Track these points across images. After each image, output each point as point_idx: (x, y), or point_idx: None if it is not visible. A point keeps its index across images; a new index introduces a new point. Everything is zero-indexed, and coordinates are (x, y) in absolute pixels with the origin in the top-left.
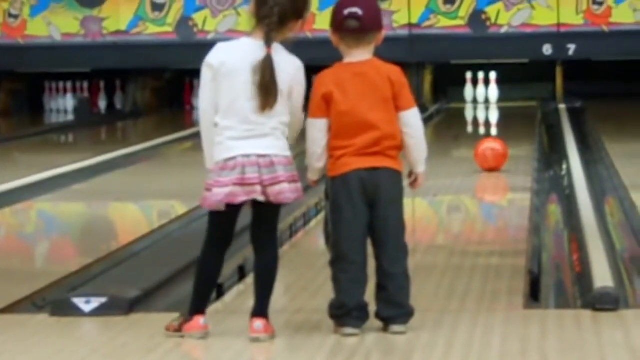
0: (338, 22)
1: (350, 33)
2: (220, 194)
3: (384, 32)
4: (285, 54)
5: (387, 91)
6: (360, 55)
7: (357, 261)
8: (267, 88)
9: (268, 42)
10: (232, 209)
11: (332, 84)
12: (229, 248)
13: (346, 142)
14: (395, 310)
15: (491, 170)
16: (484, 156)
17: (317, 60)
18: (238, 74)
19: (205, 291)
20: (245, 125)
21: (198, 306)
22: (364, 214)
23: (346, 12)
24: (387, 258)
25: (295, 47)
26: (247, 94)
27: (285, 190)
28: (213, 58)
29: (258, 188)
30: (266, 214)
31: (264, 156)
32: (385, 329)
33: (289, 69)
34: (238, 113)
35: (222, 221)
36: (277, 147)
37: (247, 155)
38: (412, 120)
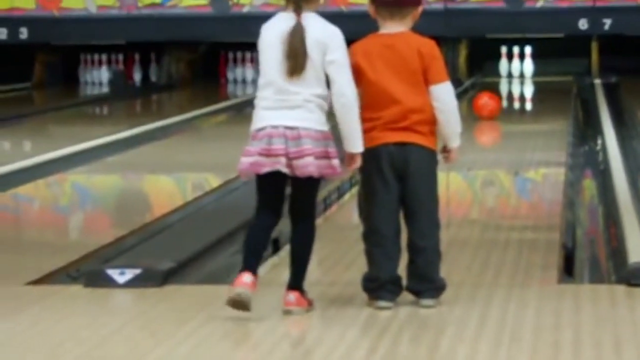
0: None
1: (385, 5)
2: (245, 163)
3: (421, 7)
4: (319, 21)
5: (415, 64)
6: (394, 27)
7: (389, 234)
8: (295, 52)
9: (297, 10)
10: (271, 177)
11: (360, 55)
12: (277, 217)
13: (375, 115)
14: (424, 284)
15: (487, 118)
16: (479, 106)
17: (351, 33)
18: (272, 46)
19: (249, 251)
20: (278, 96)
21: (244, 263)
22: (395, 187)
23: None
24: (417, 232)
25: (330, 21)
26: (279, 63)
27: (309, 164)
28: (259, 39)
29: (283, 160)
30: (300, 188)
31: (291, 128)
32: (416, 302)
33: (319, 35)
34: (272, 83)
35: (263, 186)
36: (308, 119)
37: (275, 127)
38: (442, 95)
